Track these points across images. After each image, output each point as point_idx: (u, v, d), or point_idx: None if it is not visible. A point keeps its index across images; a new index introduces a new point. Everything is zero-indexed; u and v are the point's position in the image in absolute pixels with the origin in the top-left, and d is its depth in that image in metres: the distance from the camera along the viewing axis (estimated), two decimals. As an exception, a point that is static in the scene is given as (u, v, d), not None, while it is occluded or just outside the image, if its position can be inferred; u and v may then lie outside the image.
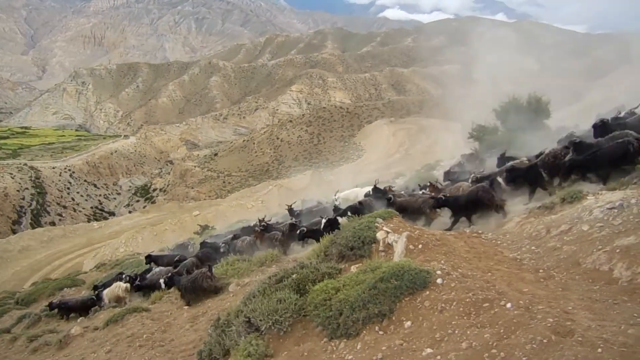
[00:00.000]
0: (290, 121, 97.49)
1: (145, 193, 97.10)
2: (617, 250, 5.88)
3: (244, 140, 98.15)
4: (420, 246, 6.65)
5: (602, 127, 11.04)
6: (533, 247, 7.22)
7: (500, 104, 19.17)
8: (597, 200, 8.02)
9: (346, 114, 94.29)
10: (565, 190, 9.07)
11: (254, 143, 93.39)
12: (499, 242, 7.80)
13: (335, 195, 15.62)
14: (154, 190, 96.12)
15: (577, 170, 10.14)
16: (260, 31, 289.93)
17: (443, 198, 10.41)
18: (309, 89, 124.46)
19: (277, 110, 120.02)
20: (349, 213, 10.96)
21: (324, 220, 11.35)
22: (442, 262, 6.03)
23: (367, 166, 60.20)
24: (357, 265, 6.82)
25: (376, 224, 7.55)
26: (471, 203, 9.95)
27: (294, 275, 6.45)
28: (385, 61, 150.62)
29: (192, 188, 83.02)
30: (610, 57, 60.72)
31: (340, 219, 10.81)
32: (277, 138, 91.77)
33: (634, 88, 20.12)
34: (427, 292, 5.24)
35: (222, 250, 14.68)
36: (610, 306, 4.83)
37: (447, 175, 15.21)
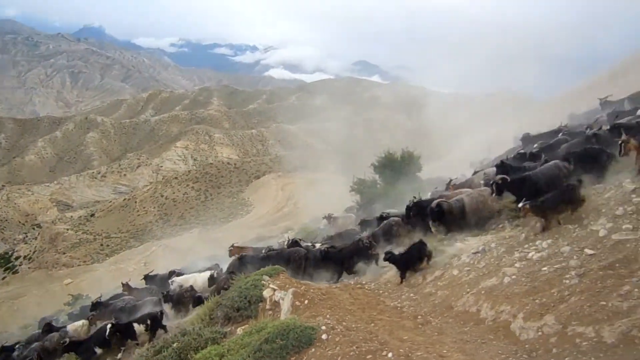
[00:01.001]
0: (176, 178, 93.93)
1: (5, 262, 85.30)
2: (483, 292, 6.42)
3: (124, 199, 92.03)
4: (306, 302, 6.66)
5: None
6: (412, 294, 7.61)
7: (378, 159, 20.45)
8: (464, 245, 8.79)
9: (234, 170, 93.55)
10: (437, 237, 9.82)
11: (135, 202, 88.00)
12: (380, 291, 8.10)
13: (170, 281, 12.80)
14: (17, 258, 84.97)
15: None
16: (142, 87, 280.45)
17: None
18: (194, 145, 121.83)
19: (162, 167, 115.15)
20: (148, 321, 9.82)
21: (108, 327, 9.72)
22: (328, 316, 6.08)
23: (256, 221, 59.73)
24: (243, 327, 6.60)
25: (263, 282, 7.45)
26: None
27: (174, 344, 6.04)
28: (271, 118, 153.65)
29: (64, 253, 74.84)
30: (471, 116, 68.59)
31: (136, 326, 9.79)
32: (162, 196, 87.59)
33: (487, 145, 22.73)
34: (313, 349, 5.22)
35: None
36: (479, 346, 5.21)
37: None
